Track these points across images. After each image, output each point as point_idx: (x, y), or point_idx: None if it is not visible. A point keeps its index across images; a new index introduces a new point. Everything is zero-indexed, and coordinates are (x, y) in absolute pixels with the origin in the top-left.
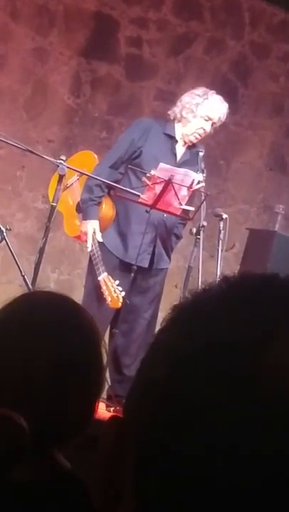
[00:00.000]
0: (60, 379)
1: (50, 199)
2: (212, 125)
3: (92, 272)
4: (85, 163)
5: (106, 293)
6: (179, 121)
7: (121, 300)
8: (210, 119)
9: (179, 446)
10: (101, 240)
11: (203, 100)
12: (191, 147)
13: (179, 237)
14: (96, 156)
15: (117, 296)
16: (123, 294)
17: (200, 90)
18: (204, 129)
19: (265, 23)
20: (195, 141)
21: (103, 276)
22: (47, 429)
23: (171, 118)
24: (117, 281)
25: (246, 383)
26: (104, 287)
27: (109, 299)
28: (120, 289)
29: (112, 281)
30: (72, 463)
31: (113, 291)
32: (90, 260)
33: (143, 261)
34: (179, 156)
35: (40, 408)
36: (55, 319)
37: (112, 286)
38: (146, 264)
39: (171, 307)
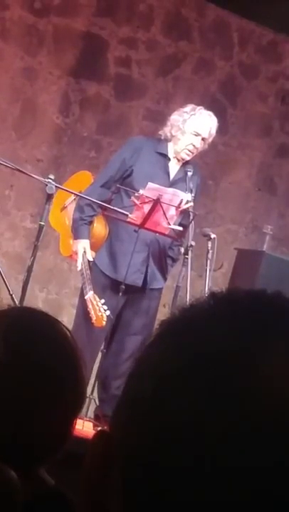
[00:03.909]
0: (33, 393)
1: (51, 223)
2: (203, 140)
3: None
4: (83, 183)
5: (92, 312)
6: (170, 140)
7: (105, 319)
8: (198, 134)
9: (167, 463)
10: (91, 260)
11: (190, 116)
12: (186, 165)
13: (174, 260)
14: (93, 177)
15: (102, 315)
16: (108, 313)
17: (188, 107)
18: (194, 145)
19: (253, 44)
20: (187, 157)
21: (89, 296)
22: (24, 447)
23: (162, 138)
24: (103, 300)
25: (234, 398)
26: (90, 306)
27: (94, 318)
28: (105, 307)
29: (98, 299)
30: (58, 481)
31: (98, 309)
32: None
33: (136, 280)
34: (172, 175)
35: (14, 426)
36: (24, 333)
37: (98, 305)
38: (139, 284)
39: (159, 322)
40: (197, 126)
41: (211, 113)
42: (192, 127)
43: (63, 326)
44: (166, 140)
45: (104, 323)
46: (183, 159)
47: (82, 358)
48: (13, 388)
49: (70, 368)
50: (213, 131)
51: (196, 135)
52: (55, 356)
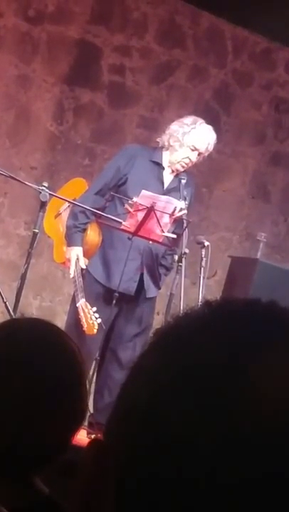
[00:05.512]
0: (38, 403)
1: (45, 229)
2: (199, 155)
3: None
4: (77, 190)
5: (83, 320)
6: (167, 149)
7: (96, 327)
8: (196, 149)
9: (161, 471)
10: (84, 267)
11: (190, 130)
12: (179, 174)
13: (168, 269)
14: (87, 184)
15: (93, 323)
16: (99, 321)
17: (189, 119)
18: (190, 159)
19: (247, 52)
20: (181, 169)
21: (81, 303)
22: (22, 456)
23: (160, 146)
24: (94, 308)
25: (226, 407)
26: (81, 314)
27: (85, 326)
28: (97, 315)
29: (89, 307)
30: (52, 488)
31: (89, 317)
32: None
33: (129, 288)
34: (166, 184)
35: (17, 432)
36: (35, 344)
37: (89, 313)
38: (132, 292)
39: (153, 331)
40: (196, 141)
41: (210, 127)
42: (191, 141)
43: (72, 340)
44: (163, 148)
45: (95, 331)
46: (177, 170)
47: (87, 373)
48: (17, 397)
49: (75, 381)
50: (211, 147)
51: (193, 150)
52: (61, 368)
